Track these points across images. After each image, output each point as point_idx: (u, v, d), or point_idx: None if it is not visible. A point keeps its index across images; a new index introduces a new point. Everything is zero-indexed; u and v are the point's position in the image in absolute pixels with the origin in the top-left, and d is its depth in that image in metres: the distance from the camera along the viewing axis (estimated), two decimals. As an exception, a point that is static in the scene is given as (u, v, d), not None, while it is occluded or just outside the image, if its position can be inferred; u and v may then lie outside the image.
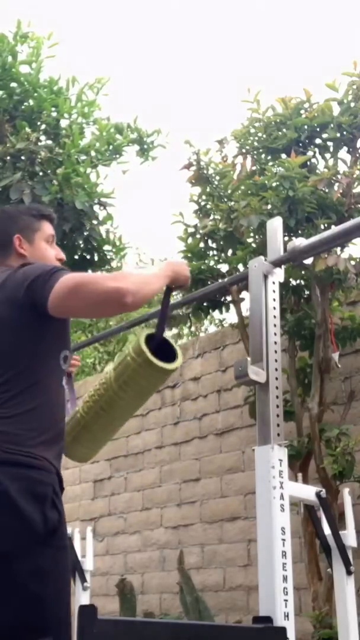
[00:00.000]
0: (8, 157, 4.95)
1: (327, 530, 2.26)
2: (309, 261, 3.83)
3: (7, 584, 1.55)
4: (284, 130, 4.39)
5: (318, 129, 4.35)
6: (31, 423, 1.71)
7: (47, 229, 2.00)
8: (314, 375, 4.46)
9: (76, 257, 5.36)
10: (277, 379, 2.01)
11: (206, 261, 4.72)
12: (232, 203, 4.38)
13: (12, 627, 1.54)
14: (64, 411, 1.85)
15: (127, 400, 1.98)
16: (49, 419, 1.77)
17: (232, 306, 4.79)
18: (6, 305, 1.78)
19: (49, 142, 5.22)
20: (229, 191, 4.47)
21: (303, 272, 4.36)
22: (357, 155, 4.38)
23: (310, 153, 4.41)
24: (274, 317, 2.07)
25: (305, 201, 3.97)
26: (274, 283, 2.12)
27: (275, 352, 2.04)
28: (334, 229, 2.18)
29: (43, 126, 5.29)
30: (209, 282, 4.56)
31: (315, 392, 4.43)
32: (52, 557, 1.61)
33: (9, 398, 1.73)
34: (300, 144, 4.39)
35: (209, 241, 4.73)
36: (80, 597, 3.32)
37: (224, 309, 4.85)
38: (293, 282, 4.56)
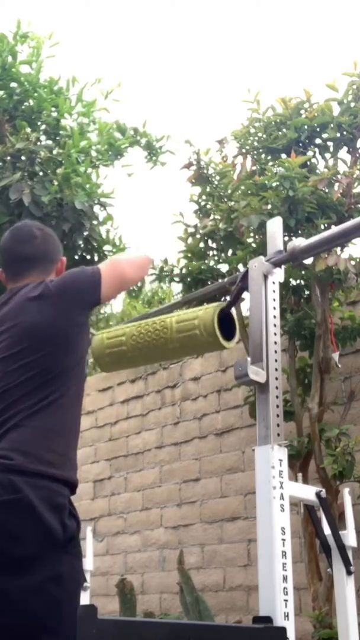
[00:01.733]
0: (8, 157, 4.95)
1: (327, 530, 2.26)
2: (309, 261, 3.83)
3: (28, 587, 1.62)
4: (284, 130, 4.39)
5: (318, 129, 4.35)
6: (60, 434, 1.79)
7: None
8: (314, 375, 4.46)
9: (76, 257, 5.36)
10: (277, 379, 2.01)
11: (206, 261, 4.71)
12: (232, 203, 4.38)
13: (30, 627, 1.61)
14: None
15: (179, 355, 2.39)
16: (76, 430, 1.87)
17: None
18: (51, 313, 1.85)
19: (49, 142, 5.22)
20: (229, 191, 4.47)
21: (303, 272, 4.36)
22: (357, 155, 4.38)
23: (310, 153, 4.41)
24: (274, 317, 2.07)
25: (305, 201, 3.96)
26: (274, 283, 2.12)
27: (275, 352, 2.04)
28: (334, 229, 2.18)
29: (43, 126, 5.29)
30: (209, 282, 4.56)
31: (315, 392, 4.43)
32: (69, 563, 1.70)
33: (44, 406, 1.77)
34: (300, 144, 4.39)
35: (209, 241, 4.72)
36: (80, 597, 3.30)
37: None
38: (293, 282, 4.56)
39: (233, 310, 2.23)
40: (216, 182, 4.53)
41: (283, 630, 1.75)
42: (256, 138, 4.54)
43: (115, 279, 1.95)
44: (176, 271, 4.77)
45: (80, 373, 1.89)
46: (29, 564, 1.62)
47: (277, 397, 1.99)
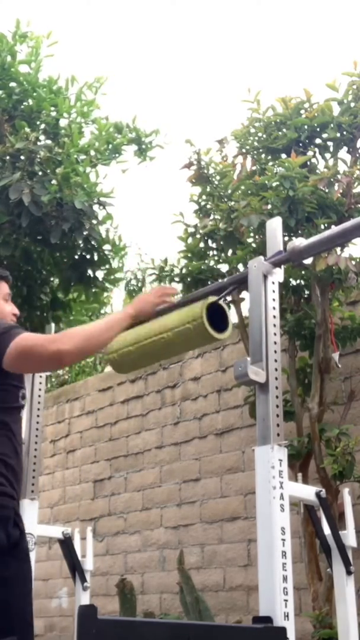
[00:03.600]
0: (7, 157, 4.95)
1: (327, 530, 2.26)
2: (309, 261, 3.83)
3: None
4: (284, 130, 4.39)
5: (318, 129, 4.35)
6: (3, 460, 2.02)
7: (4, 288, 2.36)
8: (314, 375, 4.46)
9: (76, 256, 5.36)
10: (277, 379, 2.01)
11: (206, 261, 4.71)
12: (232, 203, 4.38)
13: None
14: (21, 441, 2.22)
15: (184, 351, 2.63)
16: (12, 451, 2.10)
17: (232, 306, 4.79)
18: None
19: (48, 141, 5.22)
20: (229, 191, 4.47)
21: (303, 272, 4.36)
22: (357, 155, 4.38)
23: (310, 153, 4.41)
24: (274, 317, 2.07)
25: (305, 201, 3.96)
26: (273, 283, 2.12)
27: (275, 352, 2.04)
28: (334, 229, 2.17)
29: (42, 126, 5.29)
30: (209, 282, 4.55)
31: (315, 392, 4.42)
32: (15, 567, 1.89)
33: None
34: (300, 144, 4.39)
35: (209, 241, 4.72)
36: (80, 597, 3.30)
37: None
38: (293, 282, 4.56)
39: (235, 312, 2.32)
40: (216, 182, 4.53)
41: (283, 630, 1.75)
42: (256, 138, 4.54)
43: (17, 362, 2.11)
44: (176, 271, 4.77)
45: (13, 408, 2.15)
46: None
47: (277, 397, 1.99)
